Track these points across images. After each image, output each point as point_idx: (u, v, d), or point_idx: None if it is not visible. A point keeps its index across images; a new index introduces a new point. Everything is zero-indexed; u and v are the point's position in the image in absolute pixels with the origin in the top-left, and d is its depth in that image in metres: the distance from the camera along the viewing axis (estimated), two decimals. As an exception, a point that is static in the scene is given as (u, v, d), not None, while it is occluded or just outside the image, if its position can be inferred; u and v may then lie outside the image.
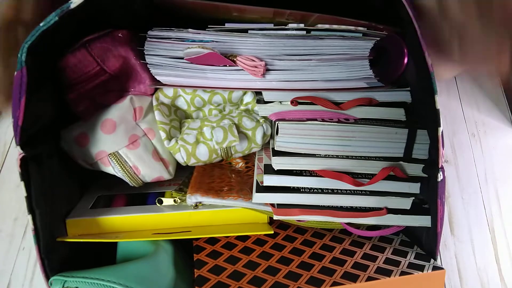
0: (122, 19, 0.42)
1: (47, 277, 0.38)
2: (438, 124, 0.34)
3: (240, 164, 0.53)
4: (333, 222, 0.43)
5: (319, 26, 0.39)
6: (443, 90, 0.69)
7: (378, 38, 0.40)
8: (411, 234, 0.46)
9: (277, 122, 0.40)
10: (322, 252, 0.42)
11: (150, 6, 0.43)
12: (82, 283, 0.37)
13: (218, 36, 0.39)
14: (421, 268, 0.39)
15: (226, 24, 0.40)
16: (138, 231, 0.44)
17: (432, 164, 0.37)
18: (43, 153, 0.38)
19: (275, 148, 0.41)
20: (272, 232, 0.43)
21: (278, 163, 0.41)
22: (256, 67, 0.39)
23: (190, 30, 0.40)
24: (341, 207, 0.42)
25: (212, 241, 0.44)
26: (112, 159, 0.42)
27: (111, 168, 0.43)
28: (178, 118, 0.48)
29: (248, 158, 0.53)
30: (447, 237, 0.60)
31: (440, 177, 0.36)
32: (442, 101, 0.68)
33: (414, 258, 0.41)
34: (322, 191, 0.41)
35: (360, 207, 0.42)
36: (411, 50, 0.41)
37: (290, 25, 0.40)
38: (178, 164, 0.47)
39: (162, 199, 0.45)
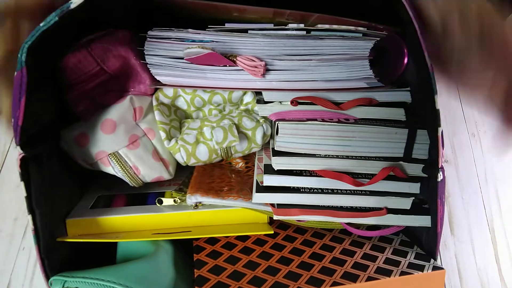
0: (122, 19, 0.42)
1: (47, 277, 0.38)
2: (438, 124, 0.34)
3: (240, 164, 0.53)
4: (333, 222, 0.43)
5: (319, 26, 0.39)
6: (443, 90, 0.69)
7: (378, 38, 0.40)
8: (411, 234, 0.46)
9: (277, 122, 0.40)
10: (322, 252, 0.42)
11: (150, 6, 0.43)
12: (82, 283, 0.37)
13: (218, 36, 0.39)
14: (421, 268, 0.39)
15: (226, 24, 0.40)
16: (138, 231, 0.44)
17: (432, 164, 0.37)
18: (43, 153, 0.38)
19: (275, 148, 0.41)
20: (272, 232, 0.43)
21: (278, 163, 0.41)
22: (256, 67, 0.39)
23: (190, 30, 0.40)
24: (341, 207, 0.42)
25: (212, 241, 0.44)
26: (112, 159, 0.42)
27: (111, 168, 0.43)
28: (178, 118, 0.48)
29: (248, 158, 0.53)
30: (447, 237, 0.60)
31: (440, 177, 0.36)
32: (442, 101, 0.68)
33: (414, 258, 0.41)
34: (322, 191, 0.41)
35: (360, 207, 0.42)
36: (411, 50, 0.41)
37: (290, 25, 0.40)
38: (178, 164, 0.47)
39: (162, 199, 0.45)
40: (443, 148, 0.35)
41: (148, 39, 0.40)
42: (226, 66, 0.40)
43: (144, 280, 0.38)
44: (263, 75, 0.40)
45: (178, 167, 0.48)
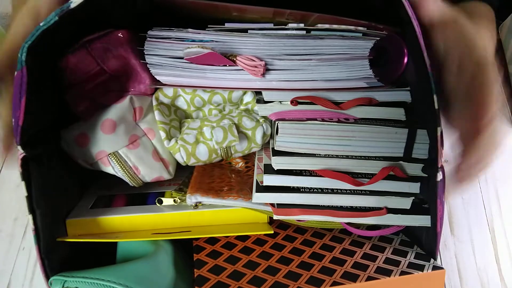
0: (122, 19, 0.42)
1: (47, 277, 0.38)
2: (437, 124, 0.34)
3: (240, 164, 0.53)
4: (333, 222, 0.43)
5: (319, 26, 0.39)
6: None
7: (378, 38, 0.40)
8: (411, 234, 0.46)
9: (277, 122, 0.40)
10: (322, 252, 0.42)
11: (150, 6, 0.43)
12: (82, 283, 0.37)
13: (218, 36, 0.39)
14: (421, 268, 0.39)
15: (226, 24, 0.40)
16: (138, 231, 0.44)
17: (432, 163, 0.37)
18: (44, 153, 0.38)
19: (275, 148, 0.41)
20: (272, 232, 0.43)
21: (278, 163, 0.41)
22: (256, 67, 0.39)
23: (190, 30, 0.40)
24: (341, 207, 0.42)
25: (212, 241, 0.44)
26: (112, 159, 0.42)
27: (111, 168, 0.43)
28: (178, 118, 0.48)
29: (248, 158, 0.53)
30: (447, 237, 0.60)
31: (439, 176, 0.36)
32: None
33: (414, 258, 0.41)
34: (322, 191, 0.41)
35: (360, 207, 0.42)
36: (410, 50, 0.41)
37: (290, 25, 0.40)
38: (178, 164, 0.47)
39: (162, 199, 0.45)
40: (442, 148, 0.36)
41: (148, 39, 0.40)
42: (226, 66, 0.40)
43: (144, 280, 0.38)
44: (263, 75, 0.40)
45: (178, 167, 0.48)
